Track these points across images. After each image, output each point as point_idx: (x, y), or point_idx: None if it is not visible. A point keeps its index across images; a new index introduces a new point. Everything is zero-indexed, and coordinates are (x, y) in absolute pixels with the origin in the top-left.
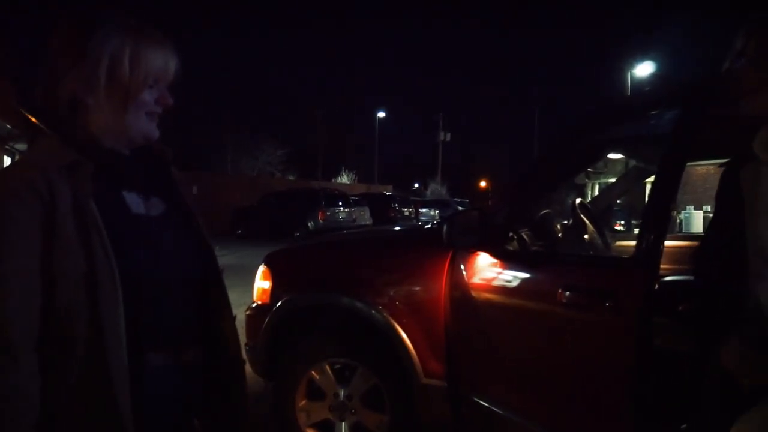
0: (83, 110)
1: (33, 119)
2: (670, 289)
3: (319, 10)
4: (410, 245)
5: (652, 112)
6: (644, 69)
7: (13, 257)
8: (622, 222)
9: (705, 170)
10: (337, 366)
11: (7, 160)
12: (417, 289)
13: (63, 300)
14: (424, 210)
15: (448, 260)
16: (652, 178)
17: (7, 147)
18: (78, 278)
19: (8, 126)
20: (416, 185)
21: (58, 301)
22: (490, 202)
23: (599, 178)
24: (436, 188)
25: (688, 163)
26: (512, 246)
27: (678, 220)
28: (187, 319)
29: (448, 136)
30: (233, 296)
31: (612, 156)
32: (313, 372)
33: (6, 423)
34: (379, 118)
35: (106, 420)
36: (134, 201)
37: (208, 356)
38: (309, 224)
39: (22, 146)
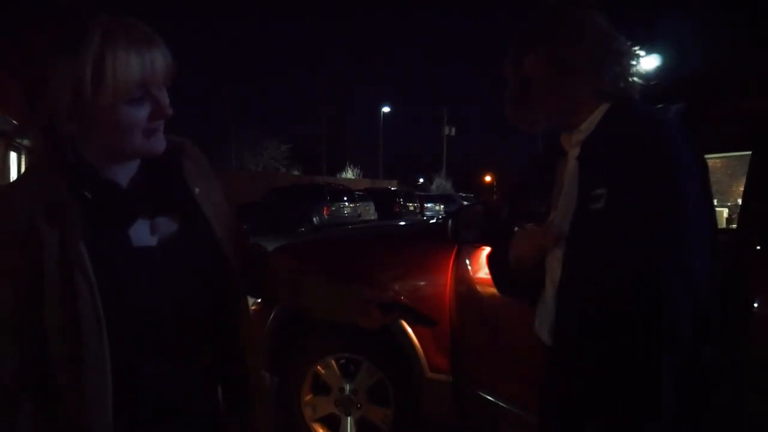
0: (71, 137)
1: (27, 147)
2: None
3: (324, 4)
4: (415, 240)
5: (657, 106)
6: (650, 62)
7: None
8: None
9: (711, 164)
10: (342, 361)
11: (12, 156)
12: (422, 283)
13: (50, 347)
14: (429, 205)
15: (453, 255)
16: None
17: (12, 143)
18: (63, 322)
19: (14, 121)
20: (421, 180)
21: (47, 345)
22: (495, 197)
23: None
24: (441, 183)
25: None
26: None
27: None
28: (196, 338)
29: (453, 131)
30: None
31: None
32: (318, 367)
33: None
34: (384, 113)
35: None
36: (137, 230)
37: (224, 365)
38: (314, 219)
39: (27, 142)
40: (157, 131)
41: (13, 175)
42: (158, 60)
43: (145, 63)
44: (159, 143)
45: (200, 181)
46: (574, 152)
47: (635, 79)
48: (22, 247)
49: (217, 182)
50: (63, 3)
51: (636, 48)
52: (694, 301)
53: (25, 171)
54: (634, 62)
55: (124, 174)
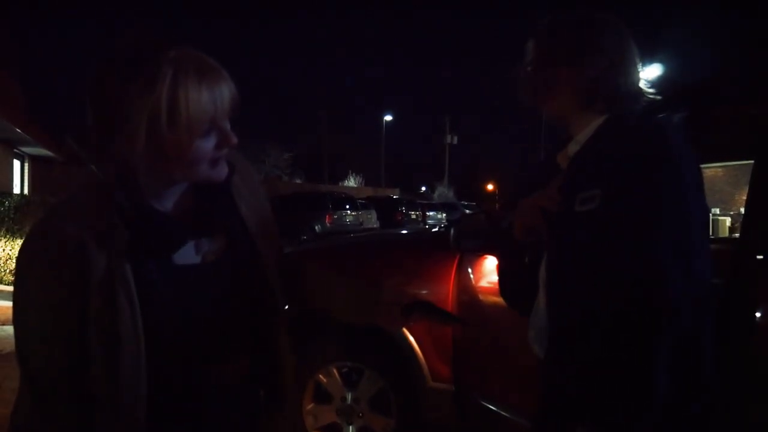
0: (134, 170)
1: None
2: None
3: (327, 13)
4: (417, 248)
5: (659, 115)
6: (652, 71)
7: (42, 317)
8: None
9: (713, 173)
10: (344, 369)
11: (16, 164)
12: (424, 292)
13: (91, 359)
14: (431, 213)
15: (455, 263)
16: None
17: (16, 150)
18: (103, 343)
19: (18, 130)
20: (423, 188)
21: (87, 359)
22: (497, 205)
23: None
24: (443, 191)
25: None
26: None
27: None
28: (234, 350)
29: (456, 139)
30: None
31: None
32: (320, 375)
33: None
34: (386, 121)
35: None
36: (184, 252)
37: (263, 374)
38: (316, 228)
39: (30, 150)
40: (221, 159)
41: (17, 182)
42: (226, 94)
43: (215, 98)
44: (222, 170)
45: (246, 197)
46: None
47: (639, 94)
48: (70, 264)
49: (263, 192)
50: (132, 40)
51: (641, 66)
52: (695, 299)
53: (76, 191)
54: (641, 80)
55: (173, 195)
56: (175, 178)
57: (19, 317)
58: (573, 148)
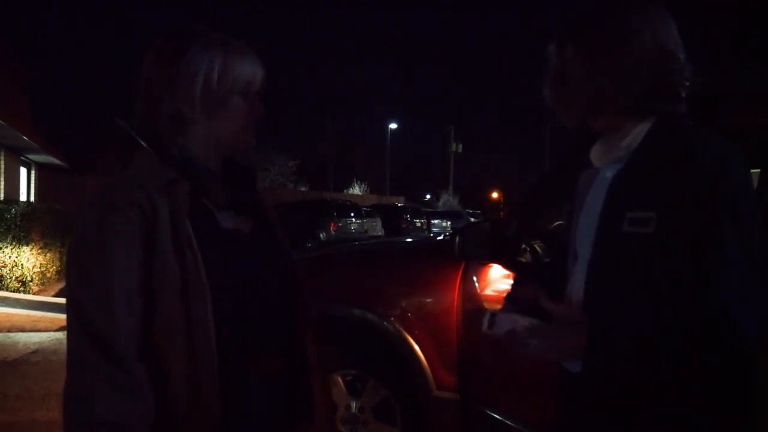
0: (182, 125)
1: (137, 138)
2: None
3: (331, 21)
4: (422, 257)
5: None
6: None
7: (118, 271)
8: None
9: None
10: (348, 378)
11: (23, 171)
12: (429, 300)
13: (160, 314)
14: (435, 221)
15: (460, 272)
16: None
17: (23, 158)
18: (174, 294)
19: (24, 137)
20: (428, 196)
21: (157, 315)
22: (502, 214)
23: None
24: (448, 199)
25: None
26: (525, 258)
27: None
28: (274, 332)
29: (460, 147)
30: None
31: None
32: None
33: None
34: (391, 129)
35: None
36: (224, 217)
37: (289, 367)
38: (320, 235)
39: (37, 157)
40: (251, 127)
41: (23, 190)
42: (259, 71)
43: (254, 68)
44: (251, 137)
45: (265, 201)
46: (609, 169)
47: (681, 94)
48: (143, 215)
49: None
50: (182, 29)
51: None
52: (761, 330)
53: (134, 162)
54: (686, 81)
55: (214, 167)
56: (215, 135)
57: (95, 280)
58: (617, 153)
